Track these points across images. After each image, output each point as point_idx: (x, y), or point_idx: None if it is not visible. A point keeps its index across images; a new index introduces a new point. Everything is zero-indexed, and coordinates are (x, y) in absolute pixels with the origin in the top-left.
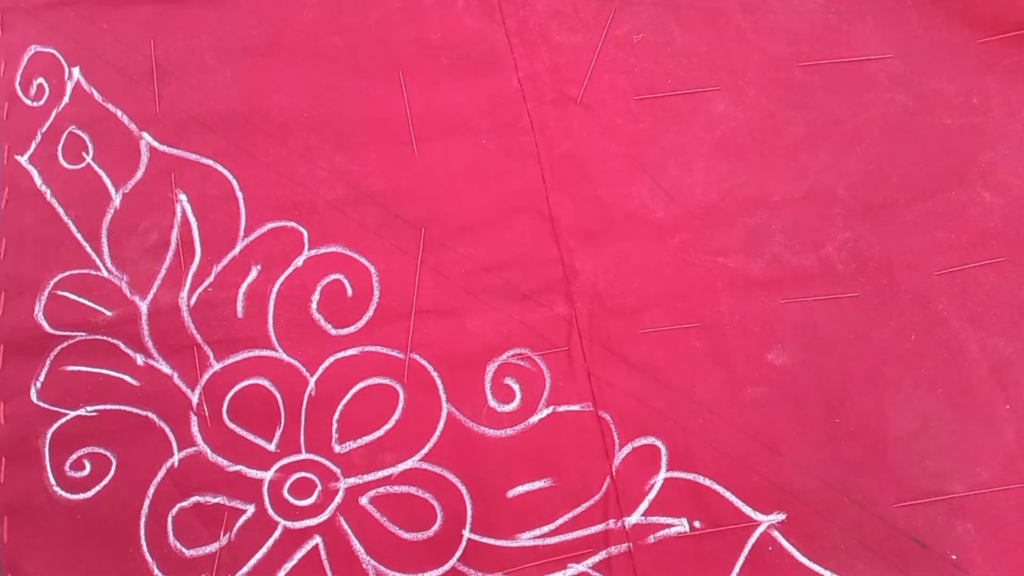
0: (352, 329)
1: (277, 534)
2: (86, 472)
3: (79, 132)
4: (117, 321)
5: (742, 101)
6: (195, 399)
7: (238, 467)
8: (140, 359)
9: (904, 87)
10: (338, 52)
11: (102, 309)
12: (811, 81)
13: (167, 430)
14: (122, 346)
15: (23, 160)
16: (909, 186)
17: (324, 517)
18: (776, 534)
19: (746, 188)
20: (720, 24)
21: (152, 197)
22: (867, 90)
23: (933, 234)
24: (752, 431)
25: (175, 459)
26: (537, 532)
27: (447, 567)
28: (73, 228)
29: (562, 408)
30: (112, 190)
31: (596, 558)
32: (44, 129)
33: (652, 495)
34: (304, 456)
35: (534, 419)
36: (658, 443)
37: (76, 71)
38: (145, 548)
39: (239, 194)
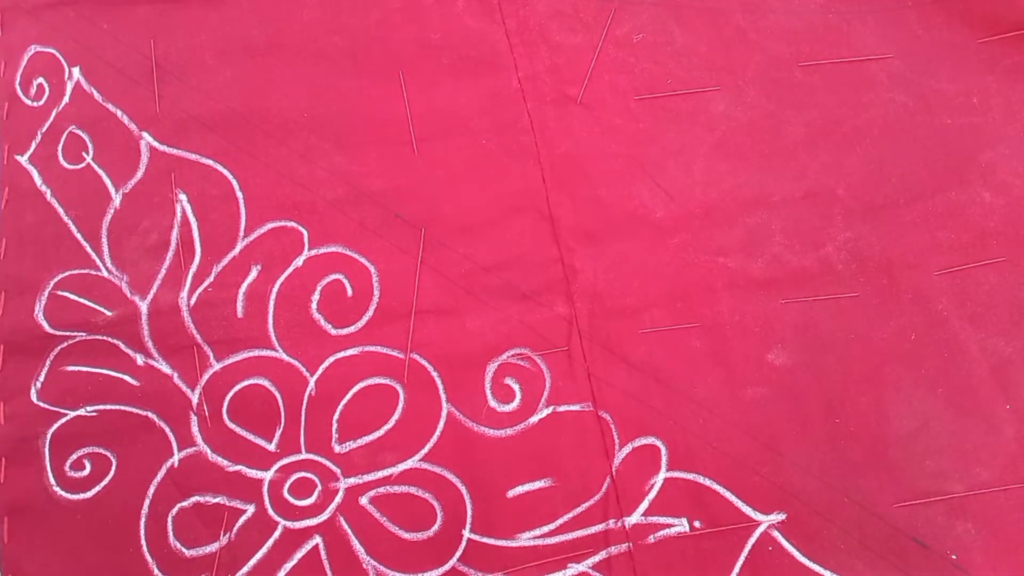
0: (352, 329)
1: (277, 534)
2: (86, 472)
3: (79, 132)
4: (117, 321)
5: (742, 101)
6: (195, 399)
7: (238, 467)
8: (140, 359)
9: (904, 87)
10: (338, 52)
11: (102, 309)
12: (811, 81)
13: (167, 430)
14: (122, 346)
15: (23, 160)
16: (909, 186)
17: (324, 517)
18: (776, 534)
19: (746, 188)
20: (720, 24)
21: (152, 197)
22: (867, 90)
23: (933, 234)
24: (752, 431)
25: (175, 459)
26: (537, 532)
27: (447, 567)
28: (73, 228)
29: (562, 408)
30: (112, 190)
31: (596, 558)
32: (44, 129)
33: (652, 495)
34: (304, 456)
35: (534, 419)
36: (658, 443)
37: (76, 71)
38: (145, 548)
39: (239, 194)
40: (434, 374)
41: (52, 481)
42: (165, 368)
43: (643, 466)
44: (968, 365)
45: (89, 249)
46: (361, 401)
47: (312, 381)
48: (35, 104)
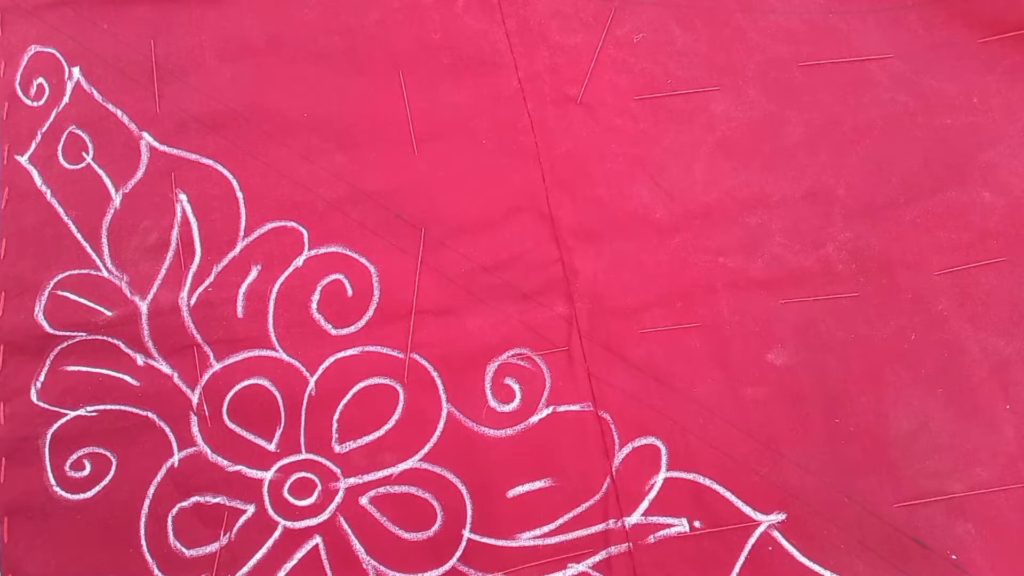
0: (352, 329)
1: (277, 534)
2: (86, 472)
3: (79, 132)
4: (117, 321)
5: (742, 101)
6: (195, 399)
7: (238, 467)
8: (140, 359)
9: (904, 87)
10: (338, 52)
11: (102, 309)
12: (811, 81)
13: (167, 430)
14: (122, 346)
15: (23, 160)
16: (909, 186)
17: (324, 517)
18: (776, 534)
19: (746, 188)
20: (720, 24)
21: (152, 197)
22: (867, 90)
23: (933, 234)
24: (752, 431)
25: (175, 459)
26: (537, 532)
27: (447, 567)
28: (73, 228)
29: (562, 408)
30: (112, 190)
31: (596, 558)
32: (44, 129)
33: (652, 495)
34: (304, 456)
35: (534, 419)
36: (658, 443)
37: (76, 71)
38: (145, 548)
39: (239, 194)
40: (434, 374)
41: (52, 481)
42: (165, 368)
43: (643, 466)
44: (968, 365)
45: (89, 249)
46: (361, 401)
47: (312, 381)
48: (35, 104)
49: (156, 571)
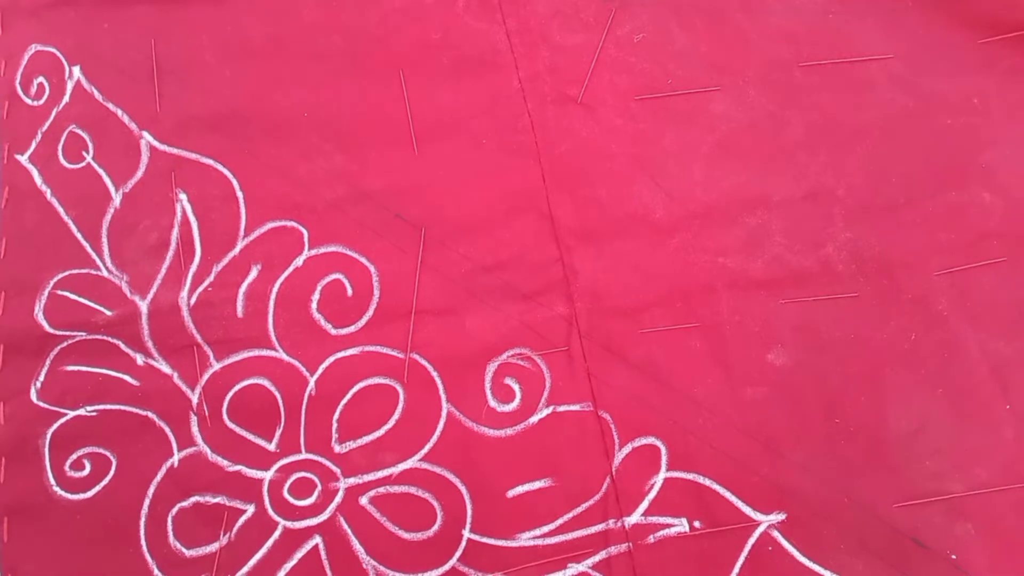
0: (352, 329)
1: (277, 534)
2: (86, 472)
3: (79, 131)
4: (117, 321)
5: (742, 101)
6: (195, 399)
7: (238, 467)
8: (140, 359)
9: (904, 87)
10: (338, 52)
11: (102, 309)
12: (811, 81)
13: (167, 430)
14: (122, 346)
15: (23, 159)
16: (909, 186)
17: (324, 517)
18: (776, 534)
19: (746, 188)
20: (720, 24)
21: (152, 197)
22: (867, 90)
23: (933, 234)
24: (752, 431)
25: (175, 459)
26: (537, 532)
27: (447, 567)
28: (73, 228)
29: (562, 408)
30: (112, 189)
31: (596, 558)
32: (44, 128)
33: (652, 495)
34: (304, 456)
35: (534, 419)
36: (658, 443)
37: (76, 70)
38: (145, 548)
39: (239, 194)
40: (434, 374)
41: (52, 481)
42: (165, 368)
43: (643, 466)
44: (968, 365)
45: (89, 249)
46: (361, 401)
47: (312, 381)
48: (35, 103)
49: (156, 571)
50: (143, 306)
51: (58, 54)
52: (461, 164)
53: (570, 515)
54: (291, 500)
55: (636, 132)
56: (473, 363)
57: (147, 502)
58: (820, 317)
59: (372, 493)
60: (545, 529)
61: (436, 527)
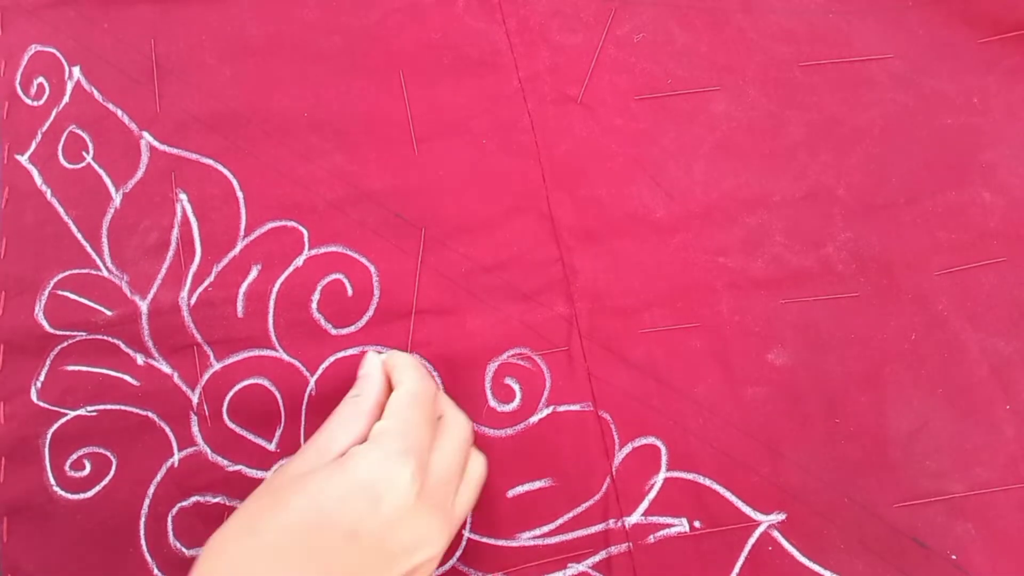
0: (352, 329)
1: None
2: (86, 472)
3: (79, 131)
4: (117, 321)
5: (742, 101)
6: (195, 399)
7: (238, 467)
8: (140, 359)
9: (904, 87)
10: (338, 52)
11: (102, 309)
12: (811, 81)
13: (167, 430)
14: (122, 346)
15: (23, 159)
16: (909, 186)
17: None
18: (776, 534)
19: (746, 188)
20: (720, 24)
21: (152, 197)
22: (867, 90)
23: (933, 234)
24: (752, 431)
25: (175, 459)
26: (537, 532)
27: (447, 567)
28: (73, 228)
29: (562, 408)
30: (112, 190)
31: (596, 558)
32: (44, 128)
33: (652, 495)
34: None
35: (534, 419)
36: (658, 443)
37: (76, 70)
38: (145, 548)
39: (239, 194)
40: (434, 374)
41: (52, 481)
42: (165, 368)
43: (643, 466)
44: (968, 365)
45: (89, 249)
46: None
47: (312, 381)
48: (35, 103)
49: (156, 571)
50: (143, 306)
51: (58, 54)
52: (461, 164)
53: (570, 515)
54: None
55: (636, 132)
56: (473, 363)
57: (147, 502)
58: (820, 317)
59: None
60: (545, 529)
61: None
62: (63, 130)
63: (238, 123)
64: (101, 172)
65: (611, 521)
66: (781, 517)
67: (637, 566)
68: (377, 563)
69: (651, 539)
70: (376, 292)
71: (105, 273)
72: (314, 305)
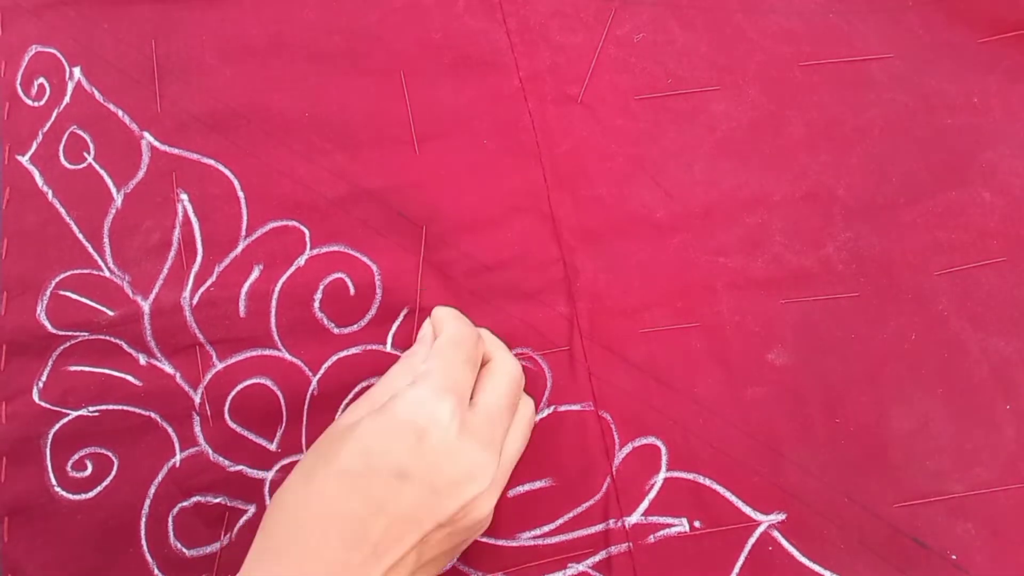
0: (355, 328)
1: None
2: (88, 472)
3: (80, 132)
4: (119, 321)
5: (742, 101)
6: (197, 399)
7: (239, 467)
8: (143, 359)
9: (904, 87)
10: (339, 52)
11: (104, 309)
12: (811, 81)
13: (169, 430)
14: (124, 346)
15: (24, 160)
16: (909, 186)
17: None
18: (776, 534)
19: (746, 188)
20: (720, 24)
21: (154, 197)
22: (867, 90)
23: (933, 234)
24: (752, 431)
25: (177, 459)
26: (537, 532)
27: (447, 567)
28: (75, 228)
29: (563, 408)
30: (114, 190)
31: (596, 558)
32: (45, 129)
33: (652, 495)
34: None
35: (535, 419)
36: (658, 443)
37: (77, 71)
38: (145, 548)
39: (240, 194)
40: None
41: (53, 481)
42: (168, 368)
43: (643, 466)
44: (968, 365)
45: (91, 249)
46: None
47: (315, 380)
48: (36, 104)
49: (156, 571)
50: (145, 306)
51: (58, 55)
52: (462, 163)
53: (570, 515)
54: None
55: (636, 132)
56: None
57: (148, 502)
58: (820, 317)
59: None
60: (545, 529)
61: None
62: (64, 130)
63: (239, 123)
64: (102, 172)
65: (611, 521)
66: (781, 517)
67: (637, 566)
68: (428, 501)
69: (651, 539)
70: (378, 291)
71: (107, 273)
72: (316, 304)
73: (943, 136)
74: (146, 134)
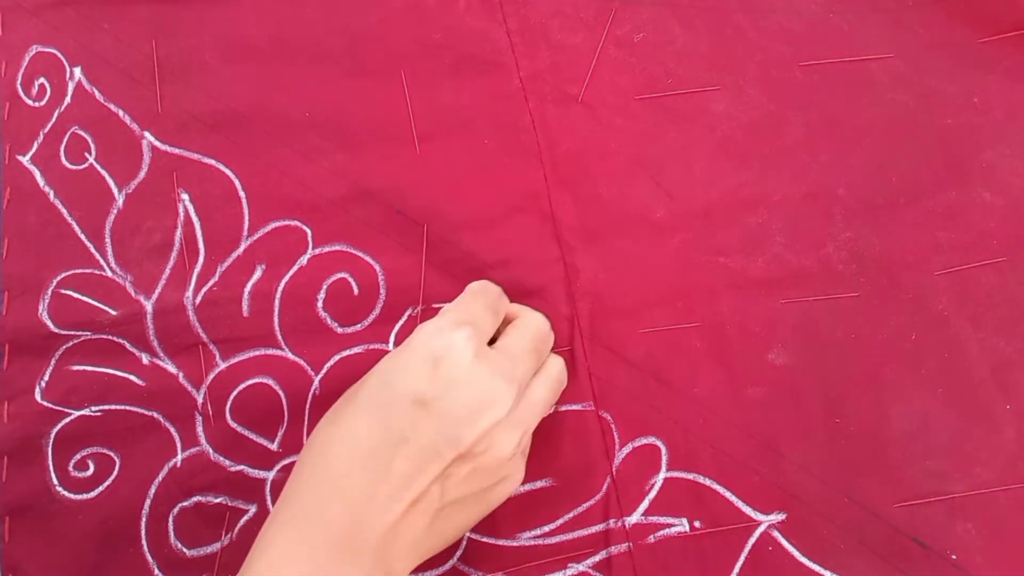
0: (358, 327)
1: None
2: (90, 472)
3: (81, 132)
4: (122, 320)
5: (743, 101)
6: (200, 398)
7: (240, 467)
8: (146, 358)
9: (905, 87)
10: (340, 52)
11: (107, 308)
12: (811, 81)
13: (172, 430)
14: (127, 345)
15: (25, 160)
16: (909, 186)
17: None
18: (776, 534)
19: (746, 188)
20: (721, 24)
21: (155, 197)
22: (867, 90)
23: (933, 234)
24: (752, 431)
25: (178, 459)
26: (537, 532)
27: (447, 567)
28: (76, 228)
29: (563, 408)
30: (115, 190)
31: (596, 558)
32: (46, 129)
33: (652, 495)
34: None
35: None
36: (658, 443)
37: (78, 71)
38: (146, 548)
39: (242, 194)
40: None
41: (55, 481)
42: (171, 367)
43: (643, 466)
44: (968, 365)
45: (93, 249)
46: None
47: (317, 380)
48: (37, 104)
49: (156, 571)
50: (148, 305)
51: (59, 55)
52: (463, 163)
53: (570, 515)
54: None
55: (637, 131)
56: None
57: (148, 502)
58: (820, 317)
59: None
60: (545, 529)
61: None
62: (65, 131)
63: (240, 123)
64: (103, 172)
65: (611, 521)
66: (781, 517)
67: (637, 566)
68: (447, 430)
69: (651, 539)
70: (382, 290)
71: (109, 273)
72: (320, 304)
73: (943, 136)
74: (147, 134)
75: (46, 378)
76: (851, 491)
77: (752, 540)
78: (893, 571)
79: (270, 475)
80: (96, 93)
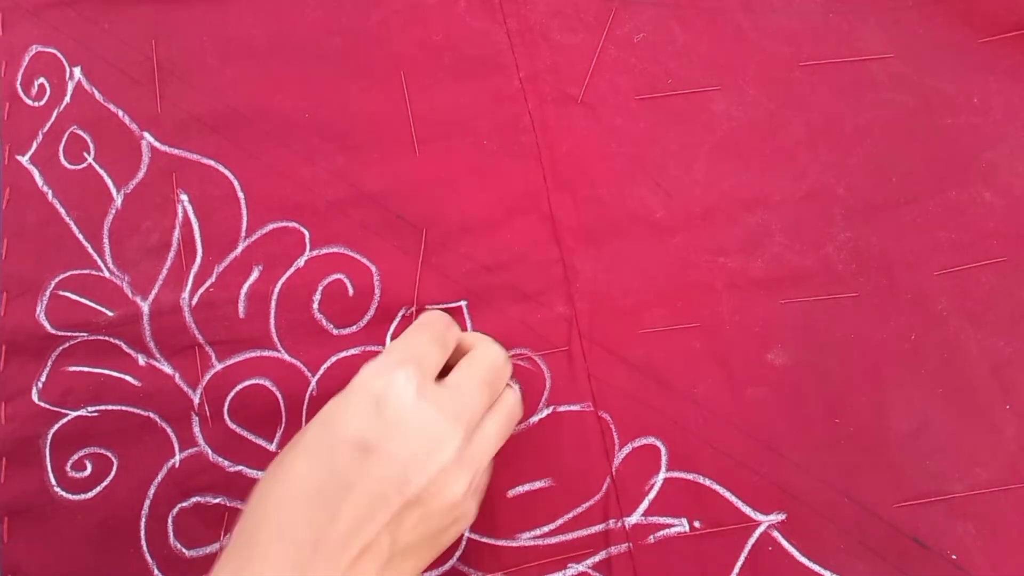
0: (354, 329)
1: None
2: (87, 473)
3: (80, 132)
4: (119, 321)
5: (743, 101)
6: (196, 399)
7: (239, 467)
8: (142, 359)
9: (904, 87)
10: (339, 53)
11: (104, 309)
12: (811, 81)
13: (169, 431)
14: (124, 346)
15: (24, 160)
16: (909, 186)
17: None
18: (776, 534)
19: (746, 188)
20: (721, 24)
21: (154, 197)
22: (867, 90)
23: (933, 234)
24: (752, 431)
25: (176, 459)
26: (537, 532)
27: (447, 567)
28: (75, 228)
29: (562, 408)
30: (114, 190)
31: (596, 558)
32: (45, 129)
33: (652, 495)
34: None
35: (534, 419)
36: (658, 443)
37: (77, 71)
38: (145, 548)
39: (240, 194)
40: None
41: (53, 481)
42: (167, 368)
43: (643, 466)
44: (968, 365)
45: (91, 249)
46: None
47: (314, 381)
48: (36, 104)
49: (156, 572)
50: (145, 306)
51: (59, 55)
52: (462, 164)
53: (570, 515)
54: None
55: (637, 132)
56: None
57: (147, 502)
58: (820, 317)
59: None
60: (545, 529)
61: None
62: (64, 131)
63: (239, 124)
64: (102, 173)
65: (611, 521)
66: (781, 517)
67: (637, 566)
68: (394, 475)
69: (651, 539)
70: (377, 292)
71: (106, 274)
72: (315, 305)
73: (943, 136)
74: (146, 134)
75: (43, 379)
76: (851, 491)
77: (752, 540)
78: (893, 571)
79: None
80: (96, 93)
